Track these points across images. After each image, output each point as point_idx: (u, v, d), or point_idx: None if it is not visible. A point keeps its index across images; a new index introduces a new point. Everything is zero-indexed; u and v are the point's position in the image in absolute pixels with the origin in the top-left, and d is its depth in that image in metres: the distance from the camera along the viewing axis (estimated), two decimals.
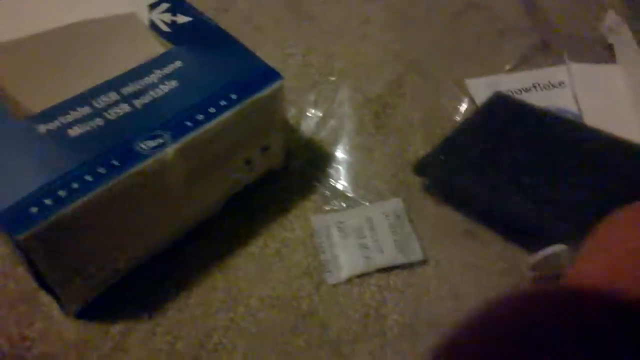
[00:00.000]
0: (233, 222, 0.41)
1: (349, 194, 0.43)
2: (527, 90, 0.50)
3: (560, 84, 0.50)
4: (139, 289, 0.37)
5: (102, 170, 0.30)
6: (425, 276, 0.39)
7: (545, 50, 0.55)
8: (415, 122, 0.48)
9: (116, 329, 0.35)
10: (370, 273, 0.39)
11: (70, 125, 0.32)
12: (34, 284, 0.34)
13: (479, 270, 0.39)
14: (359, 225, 0.41)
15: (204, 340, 0.35)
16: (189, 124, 0.33)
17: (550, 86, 0.50)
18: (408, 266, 0.39)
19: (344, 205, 0.42)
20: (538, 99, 0.48)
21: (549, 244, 0.36)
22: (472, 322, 0.23)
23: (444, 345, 0.23)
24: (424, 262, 0.39)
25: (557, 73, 0.51)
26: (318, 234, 0.40)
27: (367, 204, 0.42)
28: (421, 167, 0.43)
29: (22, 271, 0.37)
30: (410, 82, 0.51)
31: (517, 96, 0.49)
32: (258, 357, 0.35)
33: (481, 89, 0.50)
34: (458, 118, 0.48)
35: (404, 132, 0.47)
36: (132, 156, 0.31)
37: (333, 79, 0.51)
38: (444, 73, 0.52)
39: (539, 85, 0.50)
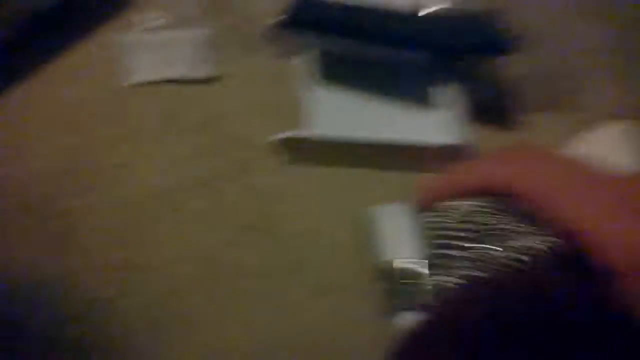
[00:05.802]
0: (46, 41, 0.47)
1: (157, 19, 0.50)
2: None
3: None
4: None
5: None
6: (215, 89, 0.48)
7: None
8: None
9: None
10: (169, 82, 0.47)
11: None
12: None
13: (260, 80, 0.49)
14: (161, 42, 0.48)
15: None
16: None
17: None
18: (203, 81, 0.48)
19: (151, 28, 0.49)
20: None
21: None
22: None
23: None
24: (216, 78, 0.48)
25: None
26: (121, 49, 0.48)
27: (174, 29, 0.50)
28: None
29: None
30: None
31: None
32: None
33: None
34: None
35: None
36: None
37: None
38: None
39: None
